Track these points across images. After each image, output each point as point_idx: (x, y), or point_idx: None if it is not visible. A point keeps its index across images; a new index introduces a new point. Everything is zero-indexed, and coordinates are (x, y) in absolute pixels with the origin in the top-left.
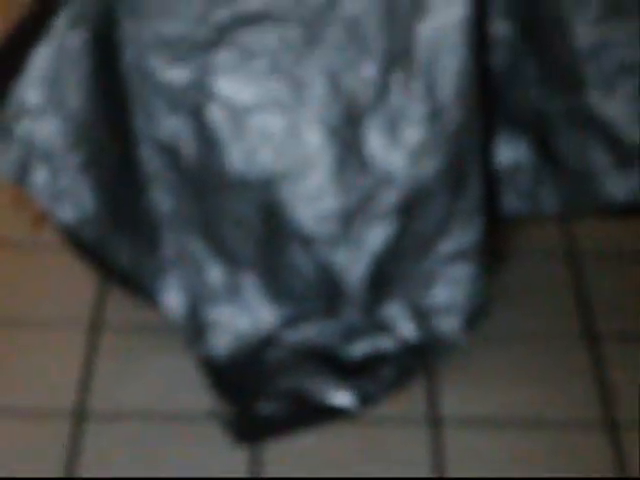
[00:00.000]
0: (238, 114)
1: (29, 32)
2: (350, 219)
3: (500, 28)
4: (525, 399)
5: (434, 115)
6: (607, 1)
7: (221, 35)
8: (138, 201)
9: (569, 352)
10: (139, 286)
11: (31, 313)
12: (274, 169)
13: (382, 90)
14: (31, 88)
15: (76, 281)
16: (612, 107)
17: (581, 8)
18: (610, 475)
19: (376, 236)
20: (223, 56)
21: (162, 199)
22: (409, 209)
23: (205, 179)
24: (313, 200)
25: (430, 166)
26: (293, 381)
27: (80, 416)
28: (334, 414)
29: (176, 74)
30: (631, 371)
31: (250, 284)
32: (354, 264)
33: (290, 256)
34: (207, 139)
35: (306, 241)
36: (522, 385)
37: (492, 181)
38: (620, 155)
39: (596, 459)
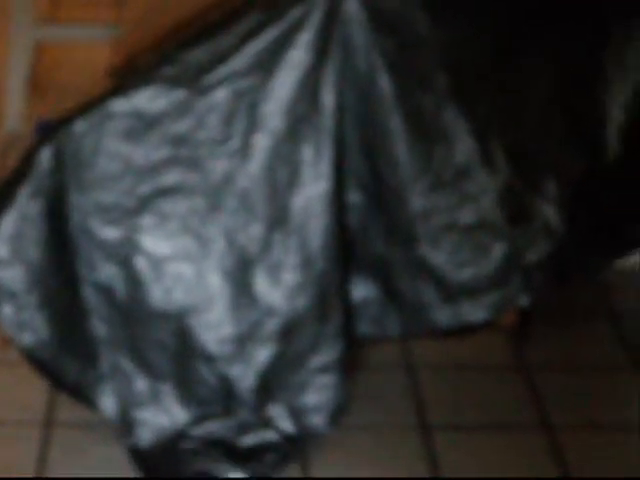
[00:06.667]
0: (157, 263)
1: None
2: (242, 342)
3: (353, 197)
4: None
5: (305, 263)
6: (433, 177)
7: (144, 203)
8: (81, 329)
9: (404, 440)
10: (82, 393)
11: None
12: (185, 304)
13: (266, 245)
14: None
15: (33, 389)
16: (438, 257)
17: (414, 182)
18: None
19: (262, 355)
20: (145, 219)
21: (99, 327)
22: (287, 334)
23: (132, 311)
24: (214, 327)
25: (303, 301)
26: (201, 465)
27: None
28: None
29: (110, 233)
30: (463, 456)
31: (167, 391)
32: (245, 376)
33: (197, 370)
34: (134, 281)
35: (209, 359)
36: (371, 465)
37: (349, 312)
38: (444, 292)
39: None
